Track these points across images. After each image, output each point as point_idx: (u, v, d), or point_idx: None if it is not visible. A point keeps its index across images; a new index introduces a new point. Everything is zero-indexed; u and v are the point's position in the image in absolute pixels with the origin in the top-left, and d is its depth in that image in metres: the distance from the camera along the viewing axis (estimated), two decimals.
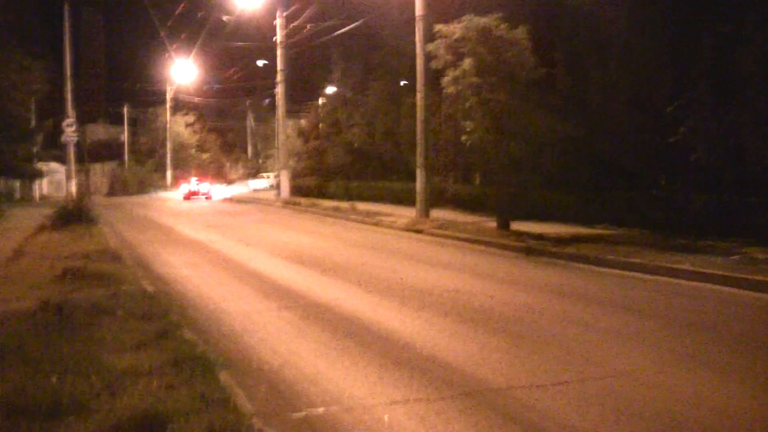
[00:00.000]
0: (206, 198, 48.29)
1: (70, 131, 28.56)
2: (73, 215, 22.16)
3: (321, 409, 5.80)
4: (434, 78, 21.10)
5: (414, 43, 23.01)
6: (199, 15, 45.66)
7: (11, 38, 24.08)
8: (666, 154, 18.98)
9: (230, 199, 45.66)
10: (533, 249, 15.38)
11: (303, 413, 5.74)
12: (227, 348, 7.71)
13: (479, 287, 11.32)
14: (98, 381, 5.84)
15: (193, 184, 50.94)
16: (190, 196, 49.03)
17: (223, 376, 6.19)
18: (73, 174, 30.81)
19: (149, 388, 5.68)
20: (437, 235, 19.21)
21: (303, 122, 49.55)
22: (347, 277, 12.60)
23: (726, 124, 17.13)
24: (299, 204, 32.85)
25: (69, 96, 29.64)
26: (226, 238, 20.15)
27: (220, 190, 53.66)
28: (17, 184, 48.92)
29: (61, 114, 29.69)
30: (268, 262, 14.76)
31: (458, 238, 18.22)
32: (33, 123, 45.02)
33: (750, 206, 16.06)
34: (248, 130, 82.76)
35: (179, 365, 6.29)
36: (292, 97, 44.67)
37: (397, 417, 5.60)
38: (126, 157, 70.33)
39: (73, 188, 30.20)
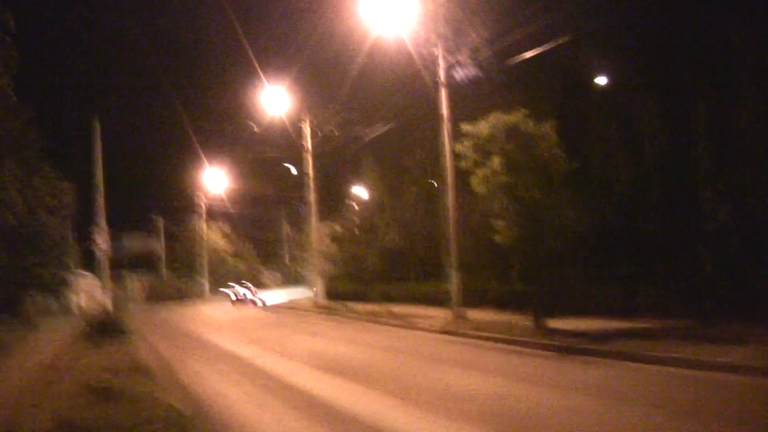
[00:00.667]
0: (252, 303, 48.78)
1: (101, 241, 28.77)
2: (106, 327, 22.15)
3: None
4: (465, 177, 21.03)
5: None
6: (229, 129, 46.38)
7: (42, 161, 24.56)
8: (707, 239, 18.71)
9: (267, 306, 45.47)
10: (571, 348, 14.96)
11: None
12: None
13: (518, 391, 10.98)
14: None
15: (238, 290, 51.87)
16: (235, 302, 50.37)
17: None
18: (107, 285, 30.87)
19: None
20: (473, 337, 18.79)
21: (337, 227, 49.68)
22: (385, 387, 12.27)
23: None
24: (336, 309, 32.60)
25: (102, 207, 29.91)
26: (262, 348, 19.88)
27: (262, 295, 54.11)
28: (55, 296, 49.35)
29: (93, 226, 29.92)
30: (304, 375, 14.38)
31: (495, 339, 17.81)
32: (66, 237, 45.81)
33: None
34: (284, 238, 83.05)
35: None
36: (325, 203, 44.96)
37: None
38: (162, 266, 70.83)
39: (107, 300, 30.23)
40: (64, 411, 9.56)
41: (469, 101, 23.56)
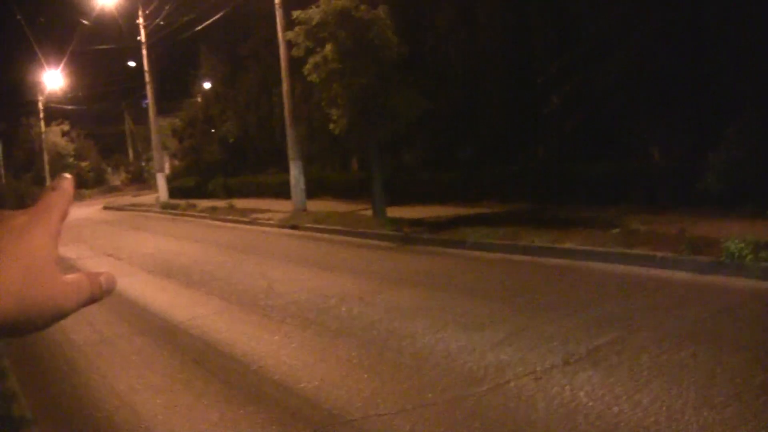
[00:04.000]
0: None
1: None
2: None
3: None
4: (300, 66, 20.28)
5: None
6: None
7: None
8: (543, 124, 18.78)
9: (109, 206, 43.51)
10: (409, 237, 14.78)
11: None
12: (60, 391, 6.85)
13: (349, 287, 10.61)
14: None
15: None
16: None
17: None
18: None
19: None
20: (313, 230, 18.43)
21: (177, 121, 48.02)
22: (212, 288, 11.71)
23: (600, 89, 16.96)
24: (177, 207, 31.40)
25: None
26: (96, 251, 18.78)
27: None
28: None
29: None
30: (134, 278, 13.57)
31: (334, 232, 17.49)
32: None
33: (628, 173, 15.92)
34: (127, 133, 79.82)
35: None
36: (166, 96, 43.21)
37: None
38: (1, 173, 67.01)
39: None
40: None
41: None
